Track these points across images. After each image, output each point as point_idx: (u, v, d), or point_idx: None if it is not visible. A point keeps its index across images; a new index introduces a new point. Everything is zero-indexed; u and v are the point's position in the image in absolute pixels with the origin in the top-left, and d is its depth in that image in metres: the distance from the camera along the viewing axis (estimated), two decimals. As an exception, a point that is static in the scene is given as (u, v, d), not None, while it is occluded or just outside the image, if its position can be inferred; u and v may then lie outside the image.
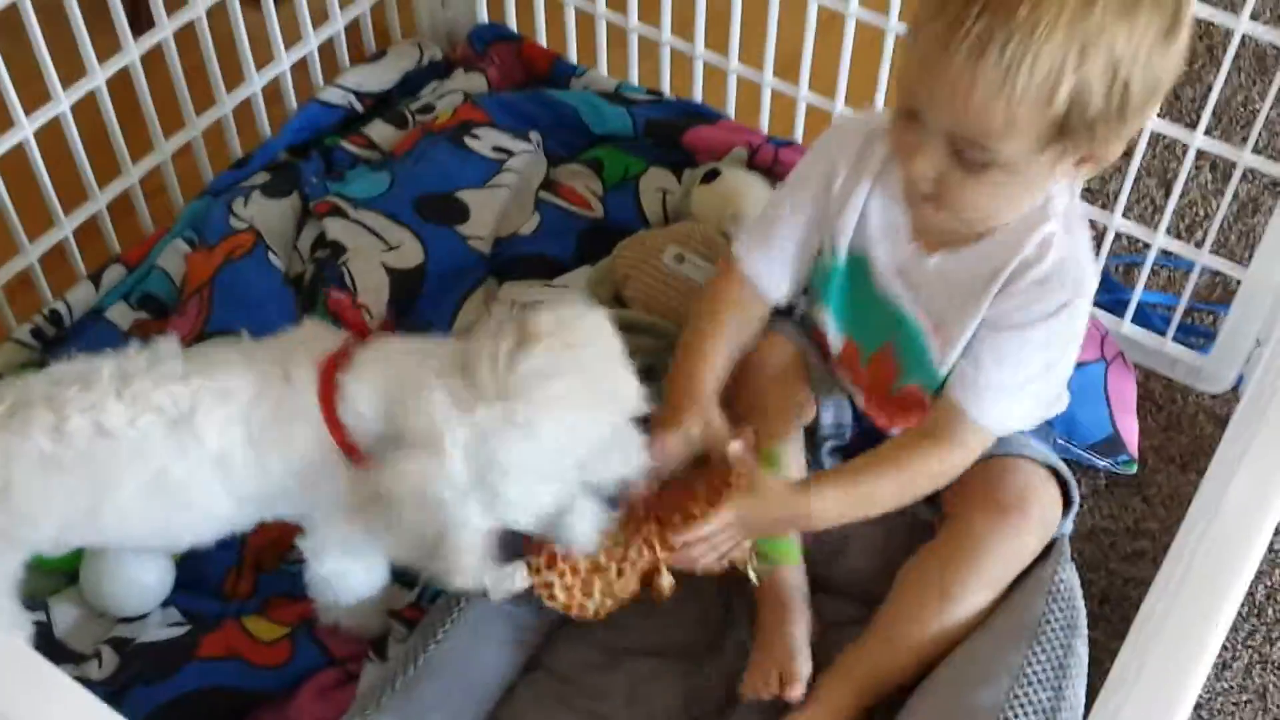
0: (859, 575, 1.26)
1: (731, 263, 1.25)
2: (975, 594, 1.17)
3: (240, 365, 1.08)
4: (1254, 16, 1.29)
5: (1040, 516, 1.20)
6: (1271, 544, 1.40)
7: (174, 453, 1.06)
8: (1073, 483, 1.24)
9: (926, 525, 1.24)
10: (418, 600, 1.28)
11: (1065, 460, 1.28)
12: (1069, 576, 1.21)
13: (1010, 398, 1.14)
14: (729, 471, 1.12)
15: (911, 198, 1.11)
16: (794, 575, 1.22)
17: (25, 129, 1.38)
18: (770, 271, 1.23)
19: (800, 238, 1.21)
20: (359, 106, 1.70)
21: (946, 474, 1.16)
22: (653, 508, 1.14)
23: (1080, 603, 1.21)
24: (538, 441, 1.00)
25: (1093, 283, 1.13)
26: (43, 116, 1.39)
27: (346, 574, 1.19)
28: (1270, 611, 1.36)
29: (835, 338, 1.25)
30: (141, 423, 1.05)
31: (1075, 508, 1.25)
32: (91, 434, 1.04)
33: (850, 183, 1.17)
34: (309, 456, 1.08)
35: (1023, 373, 1.13)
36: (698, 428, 1.15)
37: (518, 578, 1.12)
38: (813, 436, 1.30)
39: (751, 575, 1.16)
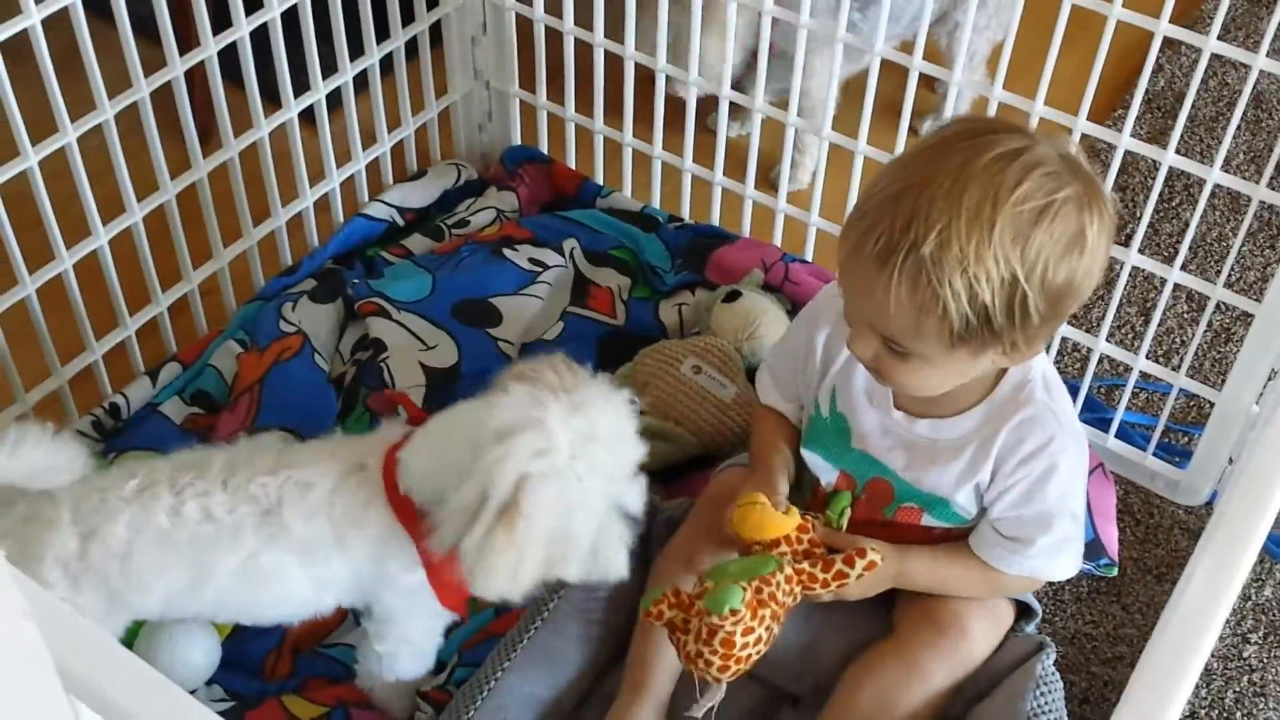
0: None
1: (758, 406, 1.36)
2: (915, 703, 1.24)
3: (324, 459, 1.21)
4: (1227, 160, 1.42)
5: (981, 631, 1.26)
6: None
7: (264, 540, 1.18)
8: (1029, 598, 1.32)
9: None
10: (445, 683, 1.37)
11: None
12: (1055, 673, 1.31)
13: (1054, 556, 1.22)
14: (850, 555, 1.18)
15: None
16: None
17: (101, 237, 1.51)
18: (789, 407, 1.33)
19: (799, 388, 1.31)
20: (400, 220, 1.83)
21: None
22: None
23: (1062, 697, 1.31)
24: (616, 416, 1.12)
25: (1075, 424, 1.19)
26: (117, 226, 1.52)
27: (398, 656, 1.30)
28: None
29: (826, 471, 1.28)
30: (239, 513, 1.18)
31: (1037, 616, 1.32)
32: (200, 519, 1.17)
33: (834, 347, 1.24)
34: (380, 535, 1.19)
35: (1058, 532, 1.20)
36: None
37: (718, 692, 1.18)
38: None
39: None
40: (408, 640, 1.30)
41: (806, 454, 1.29)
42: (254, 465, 1.19)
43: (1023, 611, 1.32)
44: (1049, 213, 1.01)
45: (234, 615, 1.28)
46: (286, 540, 1.19)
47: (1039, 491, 1.19)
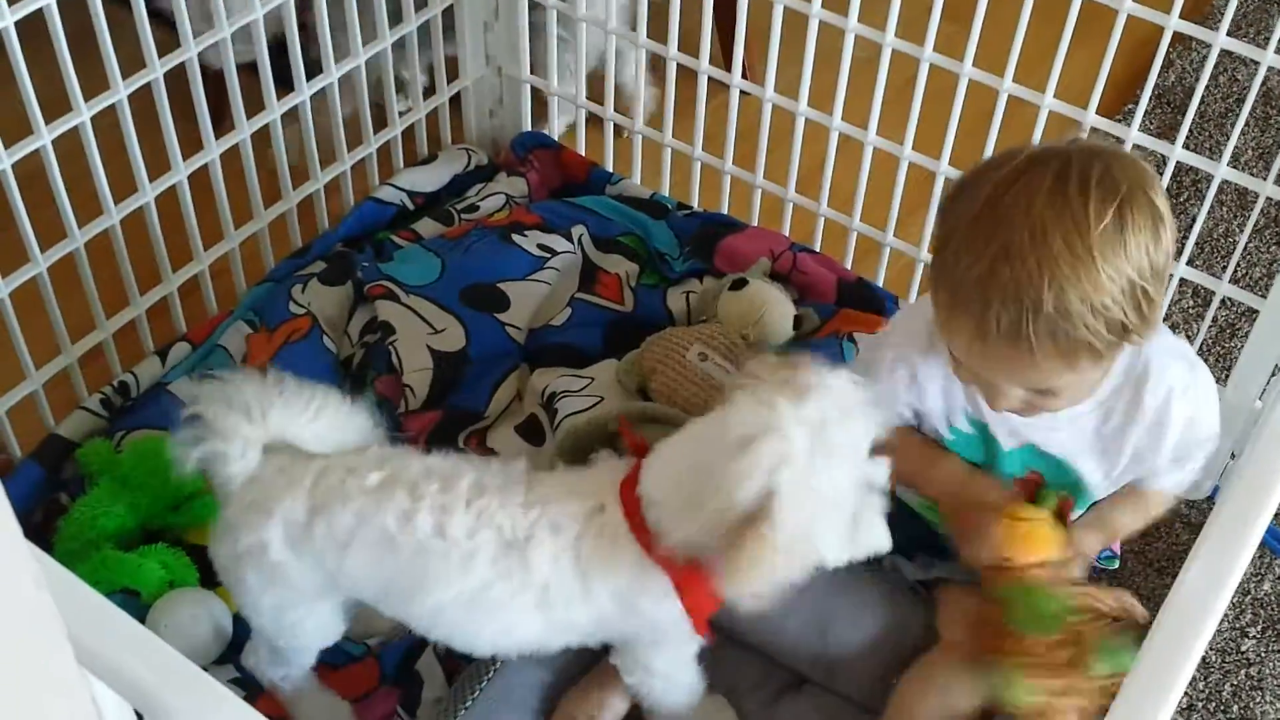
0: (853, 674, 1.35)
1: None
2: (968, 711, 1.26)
3: (569, 498, 1.14)
4: (1236, 157, 1.43)
5: None
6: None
7: (501, 574, 1.13)
8: None
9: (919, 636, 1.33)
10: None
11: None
12: None
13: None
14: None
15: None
16: None
17: (113, 216, 1.52)
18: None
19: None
20: (410, 205, 1.84)
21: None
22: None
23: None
24: (841, 393, 1.07)
25: (1177, 343, 1.22)
26: (129, 206, 1.53)
27: (653, 690, 1.26)
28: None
29: None
30: (479, 538, 1.12)
31: None
32: (431, 532, 1.12)
33: (943, 377, 1.22)
34: (630, 575, 1.13)
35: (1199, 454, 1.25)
36: None
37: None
38: None
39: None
40: (654, 671, 1.24)
41: None
42: (505, 493, 1.14)
43: None
44: (1125, 212, 1.03)
45: (447, 636, 1.21)
46: (526, 578, 1.13)
47: (1199, 418, 1.22)
